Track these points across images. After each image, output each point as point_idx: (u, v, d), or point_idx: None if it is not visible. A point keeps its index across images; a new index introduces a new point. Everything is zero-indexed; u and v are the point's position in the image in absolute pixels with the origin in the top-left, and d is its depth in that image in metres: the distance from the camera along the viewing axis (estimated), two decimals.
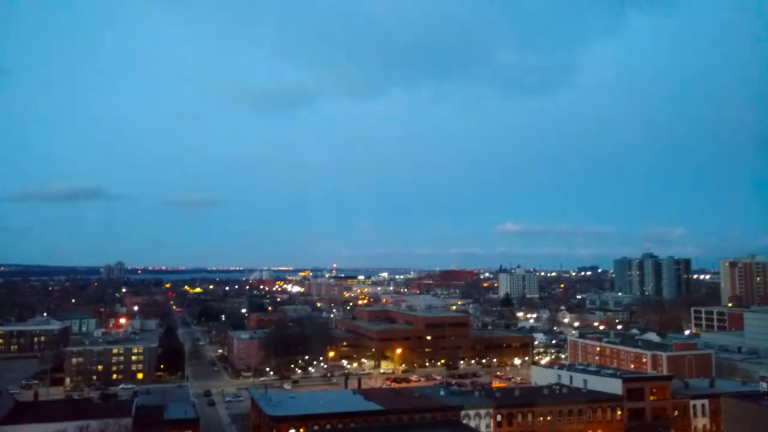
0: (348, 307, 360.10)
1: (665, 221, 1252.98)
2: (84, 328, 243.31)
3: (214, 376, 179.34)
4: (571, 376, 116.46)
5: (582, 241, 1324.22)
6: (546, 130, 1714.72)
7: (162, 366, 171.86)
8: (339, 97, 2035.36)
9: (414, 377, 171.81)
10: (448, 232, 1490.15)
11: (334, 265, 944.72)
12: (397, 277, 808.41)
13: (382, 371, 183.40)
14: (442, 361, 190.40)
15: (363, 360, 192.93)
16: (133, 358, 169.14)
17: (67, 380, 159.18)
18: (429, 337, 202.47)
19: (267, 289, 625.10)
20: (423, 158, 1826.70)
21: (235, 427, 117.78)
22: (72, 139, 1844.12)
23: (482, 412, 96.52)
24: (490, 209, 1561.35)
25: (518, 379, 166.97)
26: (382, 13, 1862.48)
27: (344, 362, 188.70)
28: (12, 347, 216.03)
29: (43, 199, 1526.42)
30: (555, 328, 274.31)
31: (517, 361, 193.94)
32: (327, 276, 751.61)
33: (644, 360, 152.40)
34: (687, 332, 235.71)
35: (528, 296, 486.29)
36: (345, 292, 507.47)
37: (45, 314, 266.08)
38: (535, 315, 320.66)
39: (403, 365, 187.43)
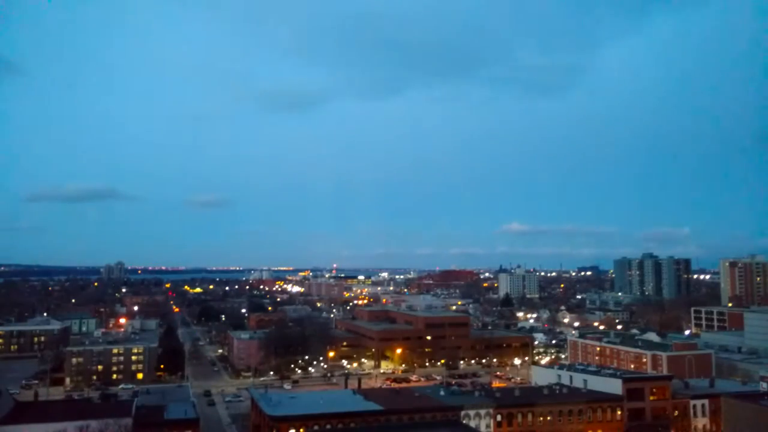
0: (348, 307, 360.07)
1: (666, 221, 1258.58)
2: (84, 328, 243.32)
3: (214, 376, 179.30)
4: (571, 376, 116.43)
5: (584, 241, 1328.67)
6: (550, 130, 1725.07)
7: (162, 366, 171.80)
8: (350, 98, 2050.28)
9: (414, 377, 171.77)
10: (449, 232, 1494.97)
11: (334, 265, 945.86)
12: (397, 277, 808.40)
13: (382, 371, 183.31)
14: (442, 361, 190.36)
15: (363, 360, 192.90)
16: (133, 358, 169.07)
17: (67, 380, 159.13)
18: (429, 337, 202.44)
19: (267, 289, 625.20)
20: (426, 158, 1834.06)
21: (235, 427, 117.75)
22: (85, 139, 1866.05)
23: (482, 412, 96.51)
24: (492, 209, 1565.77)
25: (518, 379, 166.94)
26: (398, 14, 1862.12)
27: (344, 362, 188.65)
28: (12, 347, 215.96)
29: (52, 199, 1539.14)
30: (555, 327, 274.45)
31: (517, 361, 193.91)
32: (327, 276, 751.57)
33: (644, 360, 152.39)
34: (687, 332, 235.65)
35: (528, 296, 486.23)
36: (345, 292, 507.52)
37: (45, 314, 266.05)
38: (535, 315, 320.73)
39: (403, 365, 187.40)
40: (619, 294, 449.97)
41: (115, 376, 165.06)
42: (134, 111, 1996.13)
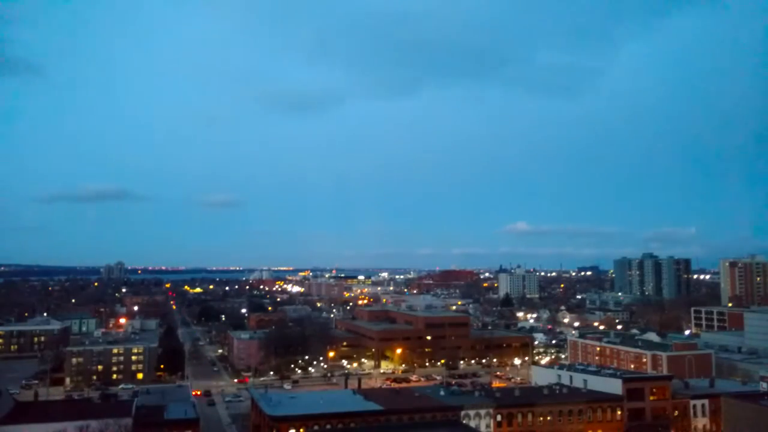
0: (348, 307, 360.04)
1: (668, 222, 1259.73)
2: (84, 328, 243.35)
3: (214, 376, 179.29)
4: (571, 376, 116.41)
5: (586, 241, 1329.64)
6: (557, 131, 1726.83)
7: (162, 366, 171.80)
8: (360, 98, 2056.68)
9: (414, 377, 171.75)
10: (452, 233, 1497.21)
11: (336, 265, 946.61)
12: (397, 277, 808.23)
13: (382, 371, 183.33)
14: (442, 361, 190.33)
15: (363, 360, 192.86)
16: (133, 358, 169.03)
17: (67, 380, 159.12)
18: (429, 337, 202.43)
19: (267, 289, 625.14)
20: (431, 158, 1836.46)
21: (235, 427, 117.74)
22: (94, 139, 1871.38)
23: (482, 412, 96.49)
24: (495, 209, 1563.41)
25: (518, 379, 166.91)
26: (411, 14, 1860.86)
27: (344, 362, 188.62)
28: (12, 347, 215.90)
29: (58, 199, 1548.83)
30: (555, 328, 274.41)
31: (517, 361, 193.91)
32: (327, 276, 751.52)
33: (644, 360, 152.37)
34: (687, 332, 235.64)
35: (528, 296, 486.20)
36: (345, 292, 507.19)
37: (45, 314, 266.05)
38: (535, 315, 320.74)
39: (403, 365, 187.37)
40: (619, 294, 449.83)
41: (115, 376, 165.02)
42: (145, 111, 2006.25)
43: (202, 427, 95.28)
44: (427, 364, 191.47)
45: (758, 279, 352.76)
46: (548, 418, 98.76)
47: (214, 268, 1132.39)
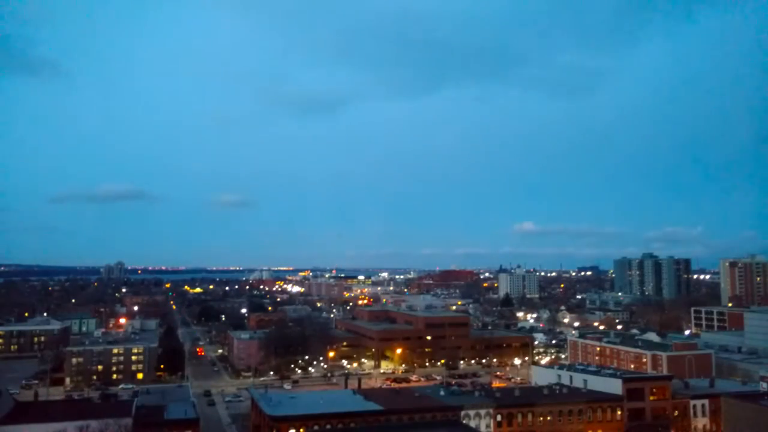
0: (348, 307, 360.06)
1: (670, 222, 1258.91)
2: (84, 328, 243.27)
3: (214, 376, 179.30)
4: (571, 376, 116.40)
5: (587, 241, 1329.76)
6: (559, 131, 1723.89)
7: (162, 366, 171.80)
8: (370, 100, 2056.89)
9: (414, 377, 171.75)
10: (455, 233, 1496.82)
11: (336, 265, 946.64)
12: (397, 277, 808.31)
13: (382, 371, 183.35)
14: (442, 361, 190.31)
15: (363, 360, 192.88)
16: (133, 358, 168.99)
17: (67, 380, 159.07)
18: (429, 337, 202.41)
19: (267, 289, 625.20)
20: (434, 158, 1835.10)
21: (235, 427, 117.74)
22: (99, 140, 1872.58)
23: (482, 412, 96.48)
24: (497, 209, 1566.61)
25: (518, 379, 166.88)
26: (427, 14, 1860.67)
27: (344, 362, 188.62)
28: (12, 347, 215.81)
29: (63, 200, 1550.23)
30: (555, 328, 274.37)
31: (517, 361, 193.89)
32: (327, 276, 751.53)
33: (644, 360, 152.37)
34: (687, 332, 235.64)
35: (528, 296, 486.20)
36: (345, 292, 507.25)
37: (45, 314, 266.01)
38: (535, 315, 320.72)
39: (403, 365, 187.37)
40: (619, 294, 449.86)
41: (115, 376, 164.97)
42: (145, 111, 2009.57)
43: (202, 427, 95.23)
44: (427, 364, 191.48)
45: (758, 279, 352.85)
46: (548, 418, 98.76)
47: (214, 268, 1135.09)
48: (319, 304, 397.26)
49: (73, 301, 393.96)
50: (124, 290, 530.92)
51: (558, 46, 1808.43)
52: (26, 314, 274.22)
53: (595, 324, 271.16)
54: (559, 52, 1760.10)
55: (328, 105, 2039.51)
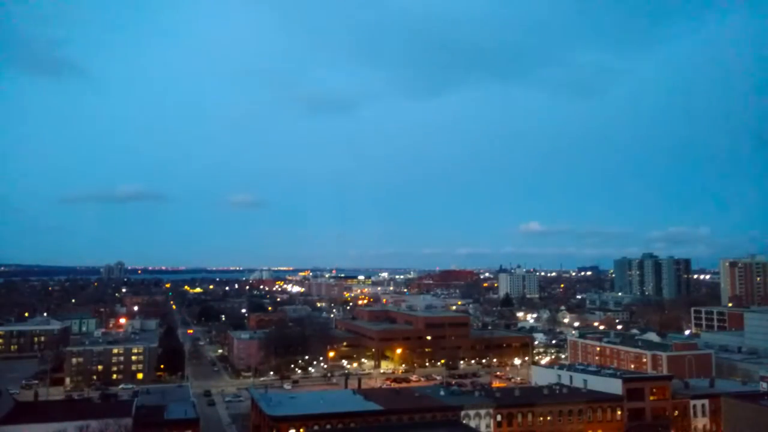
0: (348, 307, 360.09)
1: (673, 222, 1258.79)
2: (84, 328, 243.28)
3: (214, 376, 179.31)
4: (571, 376, 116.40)
5: (589, 241, 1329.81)
6: (562, 131, 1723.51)
7: (162, 366, 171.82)
8: (375, 101, 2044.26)
9: (414, 377, 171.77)
10: (456, 233, 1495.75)
11: (336, 265, 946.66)
12: (397, 277, 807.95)
13: (382, 371, 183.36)
14: (442, 361, 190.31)
15: (363, 360, 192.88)
16: (133, 358, 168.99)
17: (67, 380, 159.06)
18: (429, 337, 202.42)
19: (267, 289, 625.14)
20: (438, 159, 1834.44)
21: (235, 427, 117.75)
22: (123, 140, 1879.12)
23: (482, 412, 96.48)
24: (499, 209, 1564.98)
25: (518, 379, 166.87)
26: (444, 16, 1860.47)
27: (344, 362, 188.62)
28: (12, 347, 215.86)
29: (64, 200, 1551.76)
30: (555, 328, 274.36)
31: (517, 361, 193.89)
32: (327, 276, 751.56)
33: (644, 360, 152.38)
34: (687, 332, 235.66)
35: (528, 296, 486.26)
36: (345, 292, 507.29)
37: (45, 314, 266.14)
38: (535, 315, 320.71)
39: (403, 365, 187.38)
40: (619, 294, 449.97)
41: (115, 376, 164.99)
42: (147, 111, 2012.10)
43: (202, 427, 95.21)
44: (427, 364, 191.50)
45: (758, 279, 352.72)
46: (548, 418, 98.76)
47: (214, 268, 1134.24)
48: (319, 304, 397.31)
49: (73, 301, 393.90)
50: (124, 290, 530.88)
51: (561, 47, 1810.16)
52: (26, 314, 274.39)
53: (595, 324, 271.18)
54: (566, 54, 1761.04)
55: (338, 105, 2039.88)
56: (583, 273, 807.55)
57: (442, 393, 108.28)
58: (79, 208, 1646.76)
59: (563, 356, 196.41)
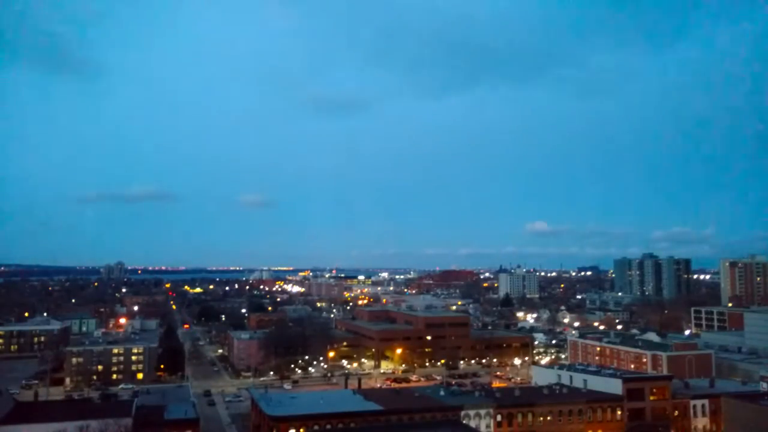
0: (348, 307, 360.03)
1: (673, 222, 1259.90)
2: (84, 328, 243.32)
3: (214, 376, 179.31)
4: (571, 376, 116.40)
5: (589, 241, 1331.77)
6: (565, 132, 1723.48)
7: (162, 366, 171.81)
8: (383, 102, 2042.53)
9: (414, 377, 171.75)
10: (457, 233, 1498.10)
11: (336, 265, 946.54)
12: (397, 277, 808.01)
13: (382, 371, 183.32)
14: (442, 361, 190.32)
15: (363, 360, 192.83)
16: (133, 358, 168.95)
17: (67, 380, 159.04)
18: (429, 337, 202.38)
19: (267, 289, 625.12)
20: (441, 159, 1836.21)
21: (235, 427, 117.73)
22: (134, 140, 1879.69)
23: (482, 412, 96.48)
24: (501, 210, 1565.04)
25: (518, 379, 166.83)
26: (457, 16, 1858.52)
27: (344, 362, 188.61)
28: (12, 347, 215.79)
29: (63, 200, 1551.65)
30: (555, 328, 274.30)
31: (517, 361, 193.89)
32: (327, 276, 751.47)
33: (644, 360, 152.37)
34: (687, 332, 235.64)
35: (528, 296, 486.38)
36: (345, 292, 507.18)
37: (45, 314, 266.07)
38: (535, 315, 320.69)
39: (403, 365, 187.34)
40: (619, 294, 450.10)
41: (115, 376, 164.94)
42: (147, 112, 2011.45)
43: (202, 427, 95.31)
44: (427, 364, 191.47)
45: (758, 279, 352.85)
46: (548, 418, 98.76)
47: (214, 268, 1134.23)
48: (319, 304, 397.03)
49: (73, 301, 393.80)
50: (124, 290, 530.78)
51: (571, 49, 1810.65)
52: (26, 314, 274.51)
53: (595, 324, 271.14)
54: (575, 55, 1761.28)
55: (347, 105, 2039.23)
56: (583, 273, 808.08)
57: (442, 393, 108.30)
58: (79, 208, 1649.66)
59: (563, 356, 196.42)
